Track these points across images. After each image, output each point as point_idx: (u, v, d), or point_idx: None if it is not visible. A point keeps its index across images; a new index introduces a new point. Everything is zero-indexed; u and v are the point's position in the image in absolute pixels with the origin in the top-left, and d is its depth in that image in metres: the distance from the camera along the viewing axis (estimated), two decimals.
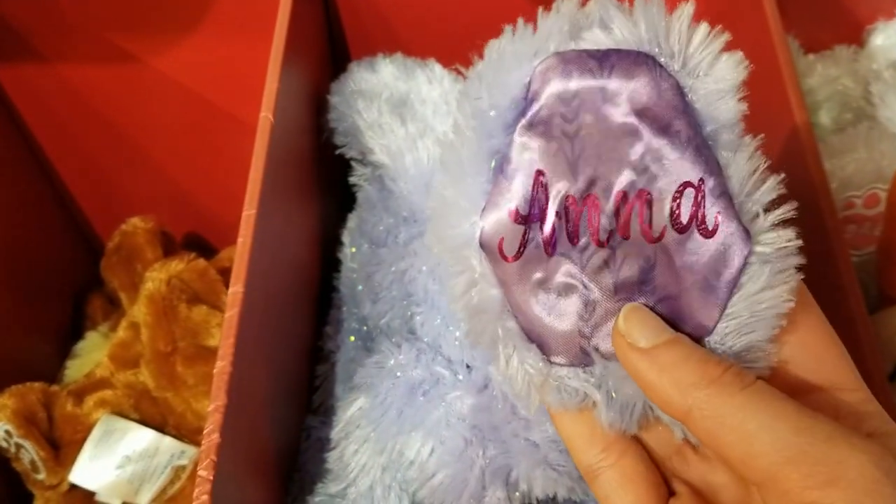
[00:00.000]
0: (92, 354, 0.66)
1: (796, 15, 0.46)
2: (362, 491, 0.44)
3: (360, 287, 0.53)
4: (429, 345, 0.46)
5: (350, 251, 0.56)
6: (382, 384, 0.44)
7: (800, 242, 0.26)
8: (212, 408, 0.34)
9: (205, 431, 0.33)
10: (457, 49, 0.58)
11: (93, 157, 0.71)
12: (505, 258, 0.26)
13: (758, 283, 0.25)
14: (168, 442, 0.57)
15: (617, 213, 0.26)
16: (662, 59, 0.25)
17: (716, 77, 0.25)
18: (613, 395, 0.27)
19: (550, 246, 0.27)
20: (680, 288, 0.26)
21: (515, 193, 0.26)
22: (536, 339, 0.27)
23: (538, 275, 0.27)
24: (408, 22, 0.63)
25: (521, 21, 0.26)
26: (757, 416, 0.23)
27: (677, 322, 0.27)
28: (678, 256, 0.26)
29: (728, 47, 0.26)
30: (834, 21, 0.66)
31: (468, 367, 0.44)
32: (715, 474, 0.28)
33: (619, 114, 0.25)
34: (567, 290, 0.27)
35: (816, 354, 0.27)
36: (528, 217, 0.26)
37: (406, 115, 0.53)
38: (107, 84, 0.65)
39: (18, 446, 0.55)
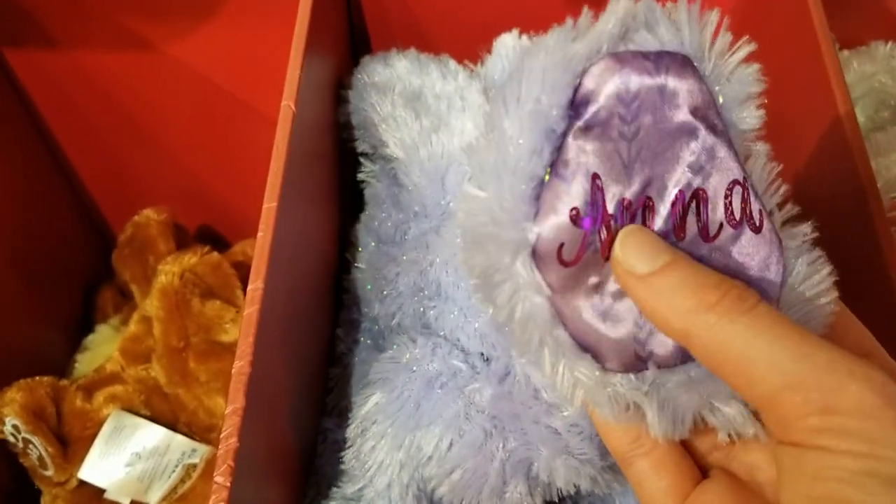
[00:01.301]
0: (102, 348, 0.65)
1: (831, 10, 0.44)
2: (379, 490, 0.43)
3: (368, 286, 0.53)
4: (445, 338, 0.45)
5: (358, 251, 0.54)
6: (398, 378, 0.43)
7: (816, 234, 0.27)
8: (229, 410, 0.32)
9: (222, 435, 0.32)
10: (478, 45, 0.57)
11: (106, 146, 0.70)
12: (563, 263, 0.26)
13: (799, 275, 0.26)
14: (179, 439, 0.56)
15: (673, 213, 0.26)
16: (696, 64, 0.26)
17: (738, 84, 0.26)
18: (665, 405, 0.26)
19: (607, 250, 0.26)
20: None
21: (575, 196, 0.25)
22: (589, 346, 0.27)
23: (594, 280, 0.26)
24: (429, 17, 0.62)
25: (569, 21, 0.26)
26: (756, 342, 0.23)
27: None
28: (733, 255, 0.26)
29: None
30: (870, 16, 0.64)
31: (486, 359, 0.43)
32: (749, 455, 0.28)
33: (679, 113, 0.26)
34: (623, 294, 0.26)
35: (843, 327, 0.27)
36: (588, 220, 0.25)
37: (420, 109, 0.52)
38: (122, 71, 0.64)
39: (26, 441, 0.54)
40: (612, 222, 0.26)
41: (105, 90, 0.65)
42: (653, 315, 0.25)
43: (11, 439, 0.54)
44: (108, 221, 0.77)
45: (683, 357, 0.26)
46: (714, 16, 0.26)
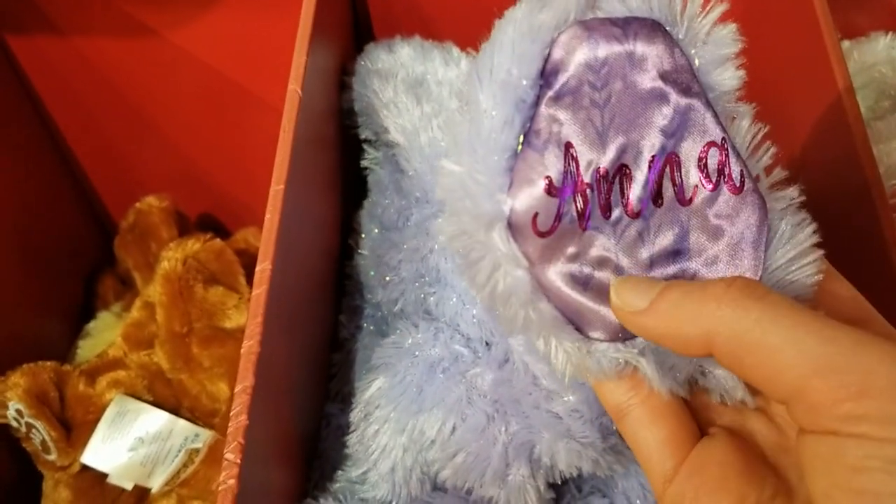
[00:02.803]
0: (104, 334, 0.65)
1: (833, 1, 0.45)
2: (383, 473, 0.43)
3: (371, 273, 0.53)
4: (446, 324, 0.45)
5: (361, 237, 0.55)
6: (401, 363, 0.43)
7: (804, 198, 0.27)
8: (239, 388, 0.32)
9: (232, 413, 0.32)
10: (482, 32, 0.57)
11: (107, 134, 0.70)
12: (539, 234, 0.25)
13: (784, 235, 0.26)
14: (182, 424, 0.56)
15: (650, 180, 0.26)
16: (668, 28, 0.26)
17: (715, 45, 0.26)
18: (663, 364, 0.26)
19: (584, 219, 0.26)
20: (716, 251, 0.27)
21: (548, 166, 0.25)
22: (572, 316, 0.26)
23: (571, 250, 0.26)
24: (433, 4, 0.62)
25: None
26: (778, 328, 0.22)
27: None
28: (711, 217, 0.26)
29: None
30: (870, 7, 0.64)
31: (487, 344, 0.43)
32: (747, 420, 0.28)
33: (648, 78, 0.26)
34: (602, 263, 0.26)
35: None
36: (562, 190, 0.25)
37: (422, 95, 0.52)
38: (124, 58, 0.63)
39: (29, 426, 0.54)
40: (587, 191, 0.26)
41: (107, 77, 0.65)
42: (669, 339, 0.24)
43: (14, 424, 0.54)
44: (109, 210, 0.76)
45: None
46: None
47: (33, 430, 0.54)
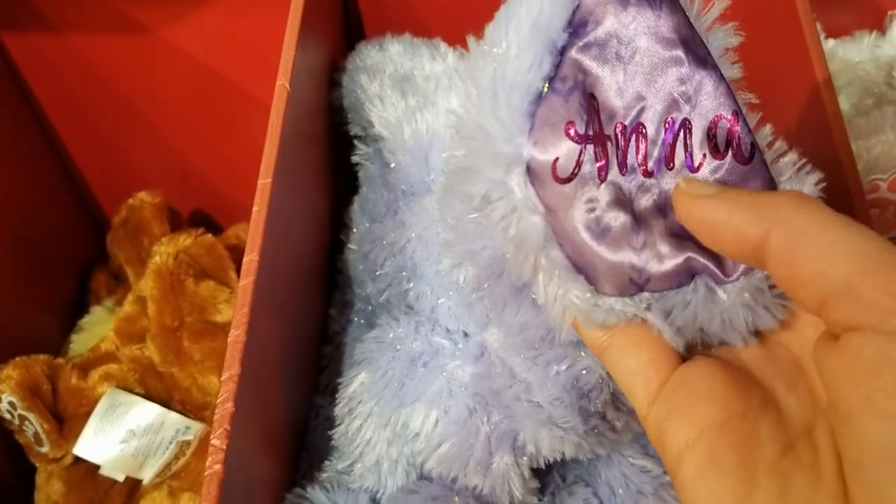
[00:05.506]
0: (97, 329, 0.66)
1: (817, 0, 0.45)
2: (369, 466, 0.44)
3: (361, 267, 0.53)
4: (426, 317, 0.45)
5: (353, 231, 0.55)
6: (383, 358, 0.44)
7: (809, 167, 0.27)
8: (225, 376, 0.33)
9: (218, 400, 0.32)
10: (472, 30, 0.58)
11: (100, 130, 0.71)
12: (558, 179, 0.25)
13: None
14: (173, 417, 0.56)
15: (664, 142, 0.26)
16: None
17: (715, 40, 0.27)
18: (673, 321, 0.27)
19: (604, 171, 0.26)
20: None
21: (572, 113, 0.25)
22: (583, 267, 0.26)
23: (589, 199, 0.26)
24: (424, 3, 0.62)
25: None
26: (835, 227, 0.22)
27: None
28: (722, 180, 0.26)
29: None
30: (855, 6, 0.65)
31: (465, 334, 0.43)
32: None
33: (670, 43, 0.26)
34: (618, 218, 0.26)
35: None
36: (584, 138, 0.25)
37: (408, 89, 0.52)
38: (117, 55, 0.64)
39: (22, 418, 0.54)
40: (607, 144, 0.26)
41: (99, 74, 0.66)
42: (724, 227, 0.24)
43: (7, 416, 0.55)
44: (101, 205, 0.77)
45: (679, 282, 0.26)
46: None
47: (26, 423, 0.55)
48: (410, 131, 0.50)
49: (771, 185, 0.26)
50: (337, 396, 0.46)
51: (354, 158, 0.57)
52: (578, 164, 0.26)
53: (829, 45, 0.63)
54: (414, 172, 0.49)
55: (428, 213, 0.47)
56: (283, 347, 0.44)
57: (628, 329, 0.27)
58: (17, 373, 0.54)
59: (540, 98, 0.25)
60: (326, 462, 0.46)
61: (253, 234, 0.37)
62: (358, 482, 0.44)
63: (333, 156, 0.58)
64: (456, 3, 0.61)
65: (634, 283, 0.26)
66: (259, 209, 0.38)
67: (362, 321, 0.54)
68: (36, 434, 0.55)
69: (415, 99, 0.51)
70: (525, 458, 0.40)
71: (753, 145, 0.26)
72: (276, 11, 0.49)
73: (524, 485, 0.40)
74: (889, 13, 0.63)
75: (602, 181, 0.26)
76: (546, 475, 0.44)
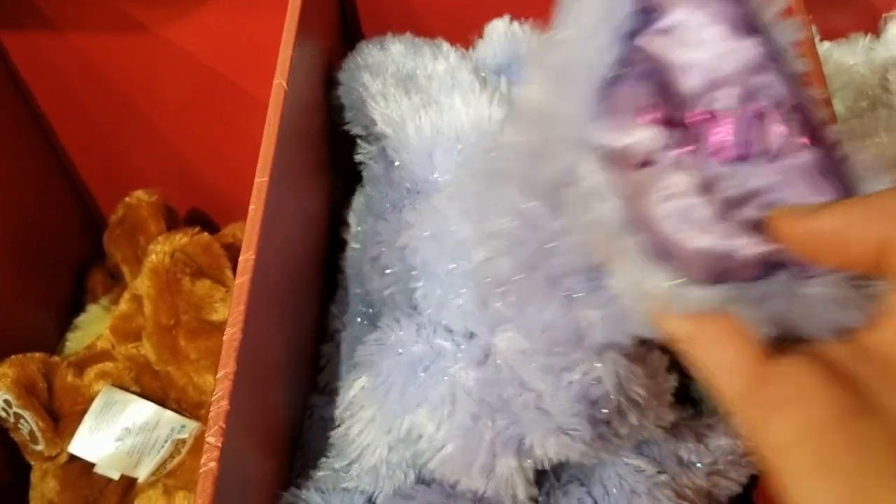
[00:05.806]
0: (93, 327, 0.66)
1: (813, 2, 0.45)
2: (367, 468, 0.44)
3: (366, 266, 0.53)
4: (429, 318, 0.45)
5: (356, 230, 0.55)
6: (384, 362, 0.43)
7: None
8: (221, 374, 0.33)
9: (213, 398, 0.33)
10: (470, 29, 0.58)
11: (98, 129, 0.71)
12: (633, 166, 0.25)
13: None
14: (169, 415, 0.57)
15: (737, 130, 0.26)
16: None
17: (780, 34, 0.26)
18: (757, 311, 0.26)
19: (680, 158, 0.25)
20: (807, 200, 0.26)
21: (644, 99, 0.25)
22: (664, 255, 0.25)
23: (667, 187, 0.25)
24: (422, 3, 0.62)
25: None
26: None
27: None
28: (799, 170, 0.26)
29: None
30: (850, 8, 0.65)
31: (471, 336, 0.43)
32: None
33: (743, 32, 0.26)
34: (698, 206, 0.25)
35: None
36: (658, 123, 0.25)
37: (411, 87, 0.52)
38: (115, 54, 0.64)
39: (18, 416, 0.54)
40: (681, 130, 0.25)
41: (97, 72, 0.66)
42: (838, 236, 0.24)
43: (3, 414, 0.55)
44: (98, 204, 0.77)
45: (763, 273, 0.25)
46: None
47: (21, 421, 0.55)
48: (414, 129, 0.50)
49: (847, 178, 0.26)
50: (337, 399, 0.46)
51: (358, 157, 0.57)
52: (654, 151, 0.25)
53: (824, 47, 0.63)
54: (418, 170, 0.49)
55: (438, 212, 0.47)
56: (279, 346, 0.44)
57: (713, 321, 0.26)
58: (12, 371, 0.54)
59: (611, 84, 0.25)
60: (323, 460, 0.46)
61: (249, 232, 0.37)
62: (354, 482, 0.44)
63: (332, 155, 0.58)
64: (453, 4, 0.61)
65: (716, 273, 0.25)
66: (255, 208, 0.38)
67: (364, 321, 0.54)
68: (31, 432, 0.55)
69: (418, 97, 0.51)
70: (529, 462, 0.39)
71: (830, 136, 0.26)
72: (275, 11, 0.49)
73: (528, 488, 0.40)
74: (884, 16, 0.64)
75: (679, 168, 0.25)
76: (541, 475, 0.44)
